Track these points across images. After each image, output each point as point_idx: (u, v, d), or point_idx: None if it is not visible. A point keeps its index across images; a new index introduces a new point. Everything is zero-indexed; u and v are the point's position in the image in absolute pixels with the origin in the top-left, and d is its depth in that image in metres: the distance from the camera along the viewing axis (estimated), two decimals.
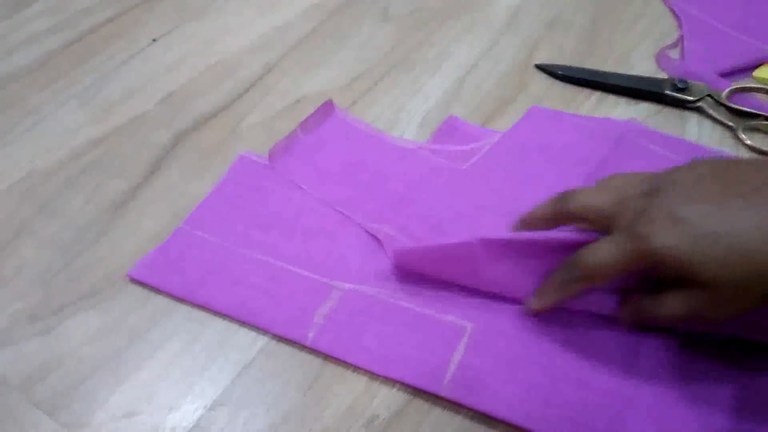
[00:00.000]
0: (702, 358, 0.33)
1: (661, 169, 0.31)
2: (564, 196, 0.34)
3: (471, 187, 0.41)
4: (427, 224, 0.39)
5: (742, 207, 0.27)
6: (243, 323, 0.35)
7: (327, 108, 0.45)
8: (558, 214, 0.34)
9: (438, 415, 0.32)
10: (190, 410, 0.32)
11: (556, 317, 0.34)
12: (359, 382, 0.33)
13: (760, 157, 0.29)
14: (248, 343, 0.35)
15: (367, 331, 0.34)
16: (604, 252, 0.30)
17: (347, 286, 0.36)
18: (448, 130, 0.45)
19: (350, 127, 0.45)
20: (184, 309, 0.36)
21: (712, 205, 0.28)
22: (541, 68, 0.50)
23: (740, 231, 0.27)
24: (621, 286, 0.33)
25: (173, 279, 0.36)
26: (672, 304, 0.30)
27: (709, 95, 0.47)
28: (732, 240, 0.27)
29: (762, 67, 0.50)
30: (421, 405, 0.32)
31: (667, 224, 0.28)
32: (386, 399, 0.33)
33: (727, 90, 0.47)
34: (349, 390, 0.33)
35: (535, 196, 0.39)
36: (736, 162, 0.30)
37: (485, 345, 0.34)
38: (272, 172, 0.42)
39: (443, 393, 0.32)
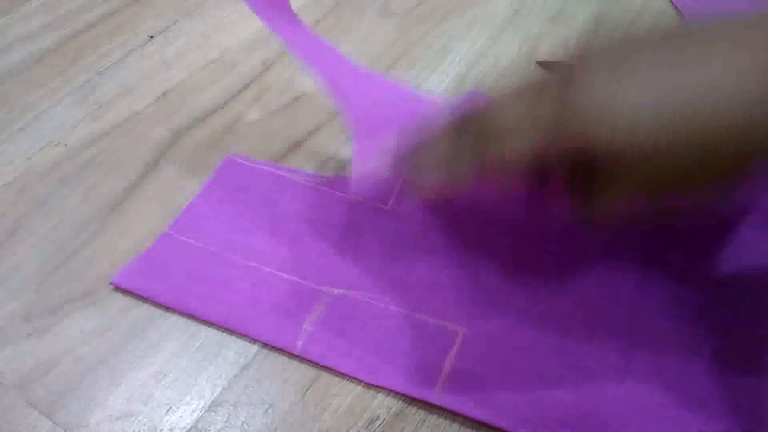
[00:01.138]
0: (698, 362, 0.33)
1: None
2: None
3: (402, 223, 0.38)
4: (372, 276, 0.36)
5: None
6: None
7: (246, 163, 0.41)
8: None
9: (439, 416, 0.32)
10: (188, 411, 0.32)
11: (550, 322, 0.34)
12: (358, 382, 0.33)
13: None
14: (247, 342, 0.34)
15: (356, 338, 0.34)
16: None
17: (336, 291, 0.36)
18: None
19: (280, 179, 0.41)
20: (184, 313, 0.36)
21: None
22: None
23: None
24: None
25: (157, 286, 0.36)
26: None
27: None
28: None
29: None
30: (422, 406, 0.32)
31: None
32: (386, 400, 0.32)
33: None
34: (349, 391, 0.33)
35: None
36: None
37: (478, 350, 0.33)
38: (259, 175, 0.41)
39: (434, 400, 0.31)
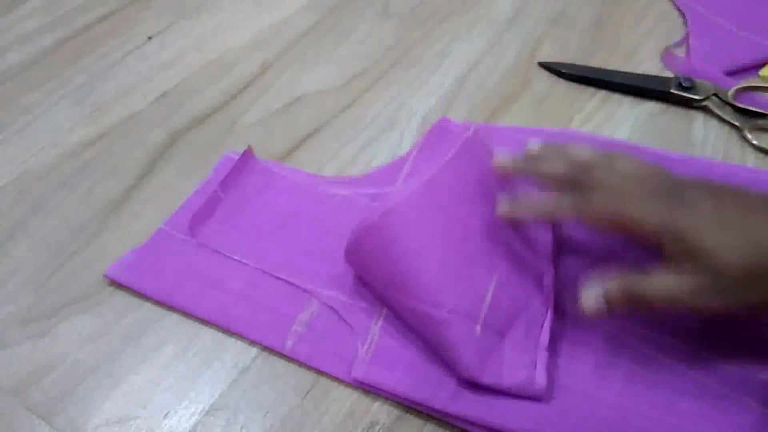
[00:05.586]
0: (694, 362, 0.33)
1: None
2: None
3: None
4: (380, 283, 0.35)
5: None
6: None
7: (246, 160, 0.41)
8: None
9: (438, 421, 0.31)
10: (186, 415, 0.32)
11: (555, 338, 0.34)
12: (358, 387, 0.32)
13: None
14: (245, 346, 0.34)
15: (349, 342, 0.33)
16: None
17: (328, 293, 0.35)
18: (439, 132, 0.43)
19: (277, 178, 0.41)
20: (178, 312, 0.35)
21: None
22: (545, 66, 0.49)
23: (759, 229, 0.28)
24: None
25: (149, 280, 0.36)
26: (668, 282, 0.29)
27: (715, 94, 0.46)
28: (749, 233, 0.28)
29: None
30: (421, 412, 0.32)
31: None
32: (386, 404, 0.32)
33: (733, 89, 0.46)
34: (349, 394, 0.32)
35: (484, 224, 0.37)
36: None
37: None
38: (257, 174, 0.41)
39: (441, 407, 0.31)
